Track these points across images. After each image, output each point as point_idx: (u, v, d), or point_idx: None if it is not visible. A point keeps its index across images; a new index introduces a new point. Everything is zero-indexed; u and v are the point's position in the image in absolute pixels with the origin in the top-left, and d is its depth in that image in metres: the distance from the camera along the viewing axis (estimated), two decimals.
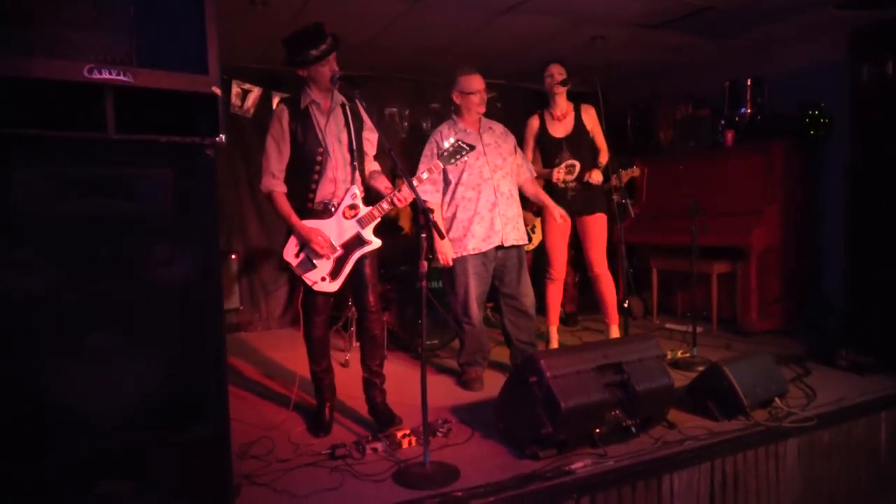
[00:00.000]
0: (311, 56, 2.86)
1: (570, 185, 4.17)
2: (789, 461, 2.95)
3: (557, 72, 4.11)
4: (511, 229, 3.74)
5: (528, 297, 3.88)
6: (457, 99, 3.74)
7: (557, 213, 3.85)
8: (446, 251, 3.69)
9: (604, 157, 4.29)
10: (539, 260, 4.91)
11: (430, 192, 3.73)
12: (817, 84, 4.95)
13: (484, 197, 3.69)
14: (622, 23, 4.52)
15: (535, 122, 4.24)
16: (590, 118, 4.26)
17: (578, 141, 4.21)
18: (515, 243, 3.77)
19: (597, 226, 4.26)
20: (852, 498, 3.19)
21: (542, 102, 4.34)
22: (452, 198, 3.74)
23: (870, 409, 3.29)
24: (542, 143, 4.20)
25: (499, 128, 3.89)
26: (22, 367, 1.65)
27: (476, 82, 3.69)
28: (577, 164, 4.11)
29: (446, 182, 3.77)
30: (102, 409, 1.71)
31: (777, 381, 3.20)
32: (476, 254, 3.71)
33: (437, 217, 3.75)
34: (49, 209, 1.69)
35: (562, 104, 4.21)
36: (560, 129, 4.22)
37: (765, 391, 3.11)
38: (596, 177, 4.15)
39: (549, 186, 4.15)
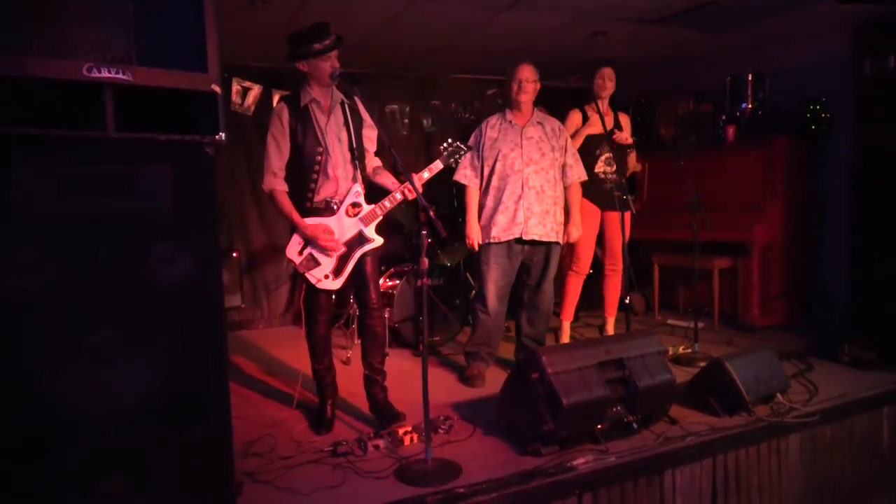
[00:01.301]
0: (313, 49, 2.86)
1: (610, 177, 4.28)
2: (791, 457, 2.95)
3: (609, 76, 4.26)
4: (535, 224, 3.70)
5: (548, 296, 3.90)
6: (504, 88, 3.87)
7: (572, 231, 3.94)
8: (473, 235, 3.78)
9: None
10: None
11: (470, 178, 3.83)
12: (819, 79, 4.94)
13: (510, 188, 3.71)
14: (623, 18, 4.51)
15: (577, 117, 4.31)
16: (626, 125, 4.43)
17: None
18: (539, 238, 3.72)
19: (624, 223, 4.30)
20: (854, 493, 3.19)
21: (544, 98, 4.34)
22: (486, 186, 3.80)
23: (872, 404, 3.29)
24: (585, 138, 4.25)
25: (552, 124, 3.90)
26: (22, 367, 1.64)
27: (519, 71, 3.75)
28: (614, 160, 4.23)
29: (482, 170, 3.82)
30: (102, 409, 1.71)
31: (779, 377, 3.20)
32: (497, 243, 3.74)
33: (474, 200, 3.83)
34: (49, 209, 1.68)
35: (605, 103, 4.35)
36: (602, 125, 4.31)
37: (767, 387, 3.10)
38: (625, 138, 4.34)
39: (591, 177, 4.19)
